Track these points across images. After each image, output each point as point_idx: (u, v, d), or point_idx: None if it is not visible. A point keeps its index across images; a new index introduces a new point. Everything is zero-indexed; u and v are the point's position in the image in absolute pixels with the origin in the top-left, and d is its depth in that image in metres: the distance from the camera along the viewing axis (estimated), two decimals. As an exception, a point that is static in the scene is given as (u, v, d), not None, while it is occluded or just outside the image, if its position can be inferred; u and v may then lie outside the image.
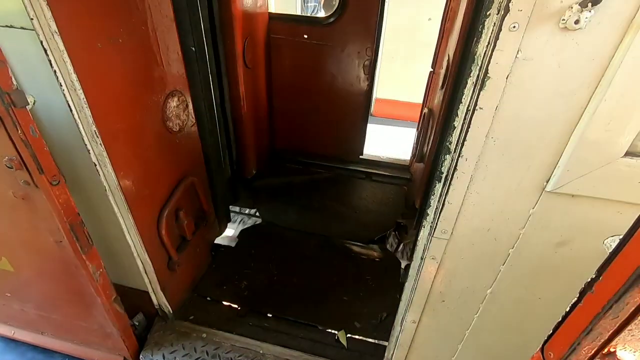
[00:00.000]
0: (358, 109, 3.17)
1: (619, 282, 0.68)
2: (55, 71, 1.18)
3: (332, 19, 2.81)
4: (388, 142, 4.49)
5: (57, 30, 1.11)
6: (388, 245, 2.86)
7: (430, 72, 2.82)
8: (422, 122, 2.81)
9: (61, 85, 1.22)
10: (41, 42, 1.13)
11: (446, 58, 2.31)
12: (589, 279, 0.76)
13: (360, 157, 3.41)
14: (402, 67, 4.54)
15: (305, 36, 2.88)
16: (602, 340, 0.75)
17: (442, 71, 2.35)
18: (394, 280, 2.49)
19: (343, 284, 2.46)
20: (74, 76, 1.20)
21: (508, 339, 1.45)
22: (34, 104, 1.32)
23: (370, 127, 3.31)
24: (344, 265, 2.62)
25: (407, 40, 4.36)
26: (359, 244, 2.76)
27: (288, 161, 3.46)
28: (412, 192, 3.04)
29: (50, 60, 1.16)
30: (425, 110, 2.72)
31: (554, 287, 1.23)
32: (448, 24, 2.44)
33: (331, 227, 2.87)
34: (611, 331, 0.73)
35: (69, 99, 1.25)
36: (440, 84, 2.36)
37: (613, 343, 0.75)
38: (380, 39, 2.90)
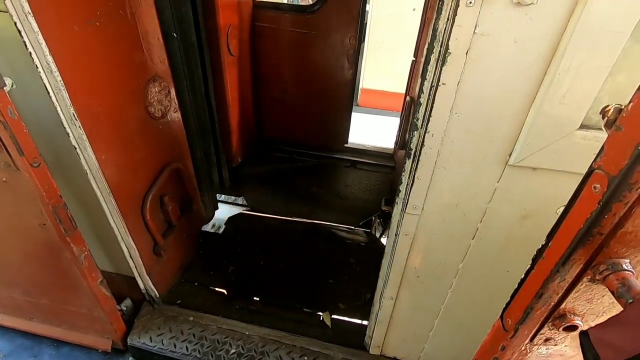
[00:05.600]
0: (343, 98, 3.20)
1: (565, 246, 0.72)
2: (30, 52, 1.19)
3: (315, 7, 2.82)
4: (375, 131, 4.53)
5: (30, 11, 1.12)
6: (373, 231, 2.91)
7: (413, 61, 2.86)
8: (405, 110, 2.85)
9: (37, 67, 1.23)
10: (15, 24, 1.14)
11: (426, 46, 2.33)
12: (540, 246, 0.81)
13: (346, 145, 3.45)
14: (388, 58, 4.57)
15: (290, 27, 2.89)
16: (553, 303, 0.80)
17: (423, 59, 2.38)
18: (378, 264, 2.54)
19: (328, 268, 2.51)
20: (49, 58, 1.21)
21: (481, 313, 1.51)
22: (12, 86, 1.33)
23: (357, 116, 3.32)
24: (330, 249, 2.66)
25: (393, 31, 4.38)
26: (344, 228, 2.80)
27: (274, 149, 3.49)
28: (396, 179, 3.08)
29: (25, 42, 1.17)
30: (408, 98, 2.76)
31: (521, 260, 1.27)
32: (429, 12, 2.47)
33: (317, 214, 2.90)
34: (560, 294, 0.78)
35: (45, 81, 1.26)
36: (420, 72, 2.39)
37: (563, 306, 0.80)
38: (363, 28, 2.92)
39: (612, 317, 0.63)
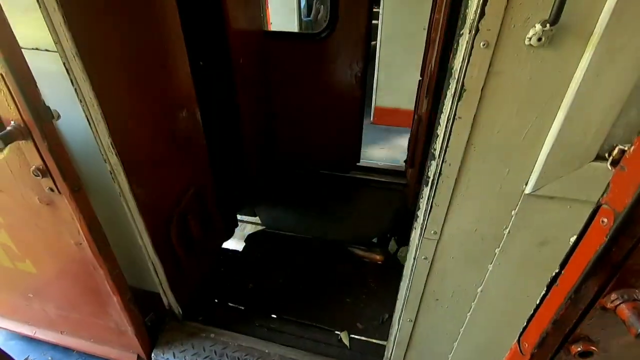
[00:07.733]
0: (352, 118, 3.32)
1: (577, 274, 0.75)
2: (75, 89, 1.31)
3: (324, 34, 2.96)
4: (388, 148, 4.64)
5: (77, 53, 1.23)
6: (389, 249, 2.93)
7: (420, 80, 2.93)
8: (414, 128, 2.92)
9: (81, 102, 1.34)
10: (64, 63, 1.25)
11: (429, 67, 2.41)
12: (554, 274, 0.84)
13: (357, 164, 3.54)
14: (400, 76, 4.66)
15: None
16: (567, 329, 0.83)
17: (427, 80, 2.46)
18: (396, 283, 2.55)
19: (346, 287, 2.54)
20: (92, 93, 1.33)
21: (500, 336, 1.51)
22: (58, 118, 1.45)
23: (371, 134, 3.30)
24: (348, 268, 2.69)
25: (404, 49, 4.48)
26: (362, 247, 2.83)
27: (288, 170, 3.59)
28: (407, 196, 3.12)
29: (71, 79, 1.29)
30: (416, 116, 2.83)
31: (540, 284, 1.29)
32: (433, 34, 2.54)
33: (331, 233, 2.95)
34: (574, 320, 0.81)
35: (87, 114, 1.37)
36: (425, 92, 2.48)
37: (578, 332, 0.83)
38: (370, 51, 3.04)
39: None
